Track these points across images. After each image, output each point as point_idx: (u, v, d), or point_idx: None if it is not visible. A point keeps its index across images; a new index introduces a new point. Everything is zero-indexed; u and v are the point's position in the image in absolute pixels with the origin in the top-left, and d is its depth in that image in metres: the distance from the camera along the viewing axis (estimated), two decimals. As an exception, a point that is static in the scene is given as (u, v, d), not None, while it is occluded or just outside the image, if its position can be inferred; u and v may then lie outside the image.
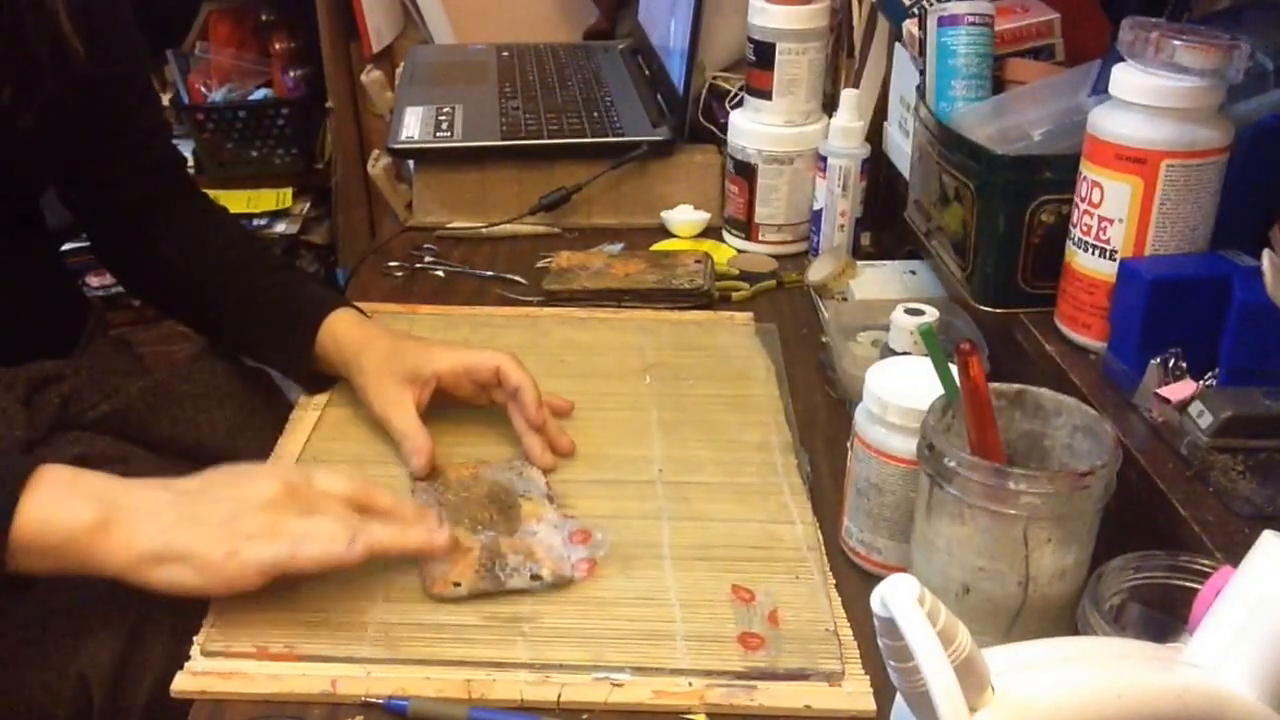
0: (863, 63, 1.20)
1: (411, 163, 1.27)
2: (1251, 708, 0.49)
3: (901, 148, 1.10)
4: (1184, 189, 0.75)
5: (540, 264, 1.17)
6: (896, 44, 1.09)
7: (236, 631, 0.69)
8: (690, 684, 0.67)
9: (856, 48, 1.22)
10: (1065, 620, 0.64)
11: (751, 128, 1.18)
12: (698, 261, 1.15)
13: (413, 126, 1.28)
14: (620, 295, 1.10)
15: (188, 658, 0.68)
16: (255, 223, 2.33)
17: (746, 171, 1.18)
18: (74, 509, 0.68)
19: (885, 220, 1.19)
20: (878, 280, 1.06)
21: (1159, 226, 0.77)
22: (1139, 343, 0.76)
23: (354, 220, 2.33)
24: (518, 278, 1.15)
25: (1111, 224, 0.78)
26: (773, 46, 1.14)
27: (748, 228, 1.21)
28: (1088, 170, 0.78)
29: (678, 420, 0.92)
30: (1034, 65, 0.94)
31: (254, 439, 0.92)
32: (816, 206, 1.15)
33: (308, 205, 2.42)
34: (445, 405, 0.89)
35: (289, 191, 2.38)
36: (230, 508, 0.69)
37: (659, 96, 1.36)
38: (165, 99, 2.25)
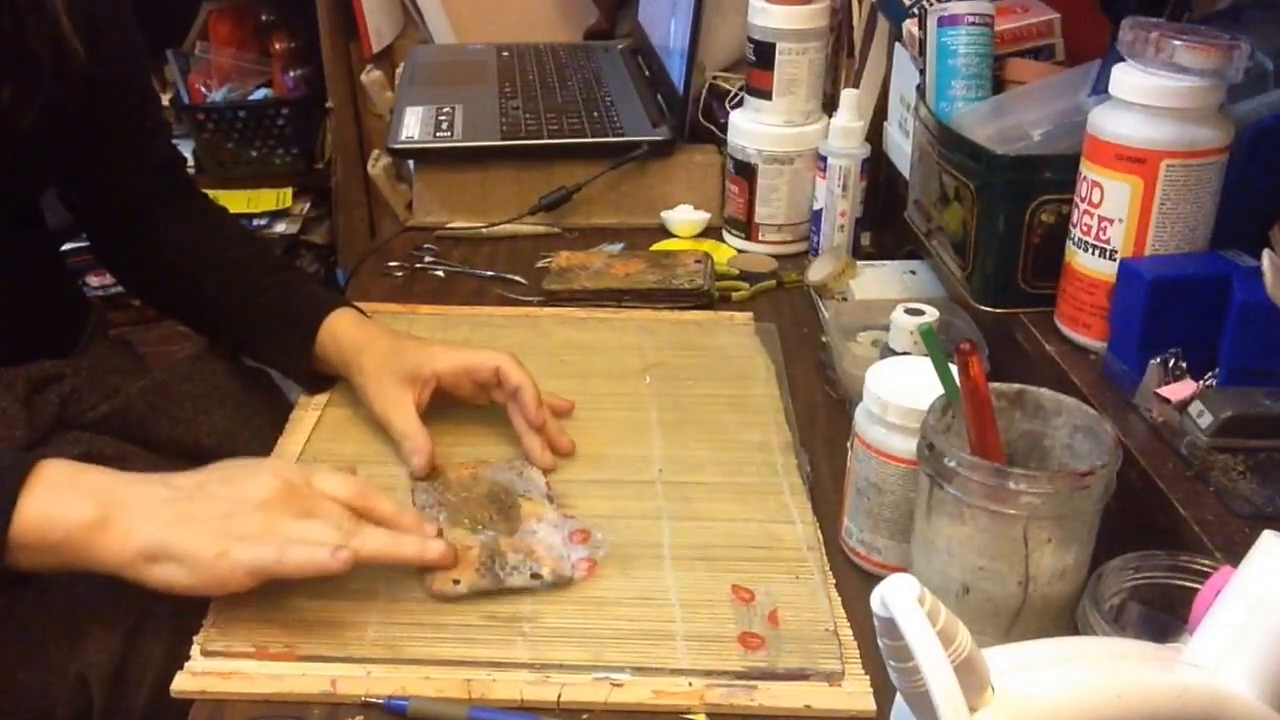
0: (863, 63, 1.20)
1: (411, 163, 1.27)
2: (1251, 708, 0.49)
3: (901, 148, 1.10)
4: (1184, 189, 0.75)
5: (540, 264, 1.17)
6: (896, 44, 1.09)
7: (236, 631, 0.69)
8: (690, 684, 0.67)
9: (856, 48, 1.22)
10: (1065, 620, 0.64)
11: (751, 128, 1.18)
12: (698, 261, 1.15)
13: (413, 126, 1.28)
14: (620, 295, 1.10)
15: (188, 658, 0.68)
16: (255, 223, 2.33)
17: (746, 171, 1.18)
18: (73, 506, 0.68)
19: (885, 220, 1.19)
20: (878, 280, 1.06)
21: (1159, 226, 0.77)
22: (1139, 343, 0.76)
23: (354, 220, 2.33)
24: (518, 278, 1.15)
25: (1111, 224, 0.78)
26: (773, 46, 1.14)
27: (748, 228, 1.21)
28: (1088, 170, 0.78)
29: (678, 420, 0.92)
30: (1034, 65, 0.94)
31: (254, 439, 0.92)
32: (816, 206, 1.15)
33: (308, 205, 2.42)
34: (445, 405, 0.89)
35: (289, 191, 2.38)
36: (225, 507, 0.69)
37: (659, 96, 1.36)
38: (165, 99, 2.25)
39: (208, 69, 2.34)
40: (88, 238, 1.06)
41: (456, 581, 0.72)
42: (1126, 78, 0.75)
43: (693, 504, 0.82)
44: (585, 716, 0.66)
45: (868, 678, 0.67)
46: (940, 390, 0.67)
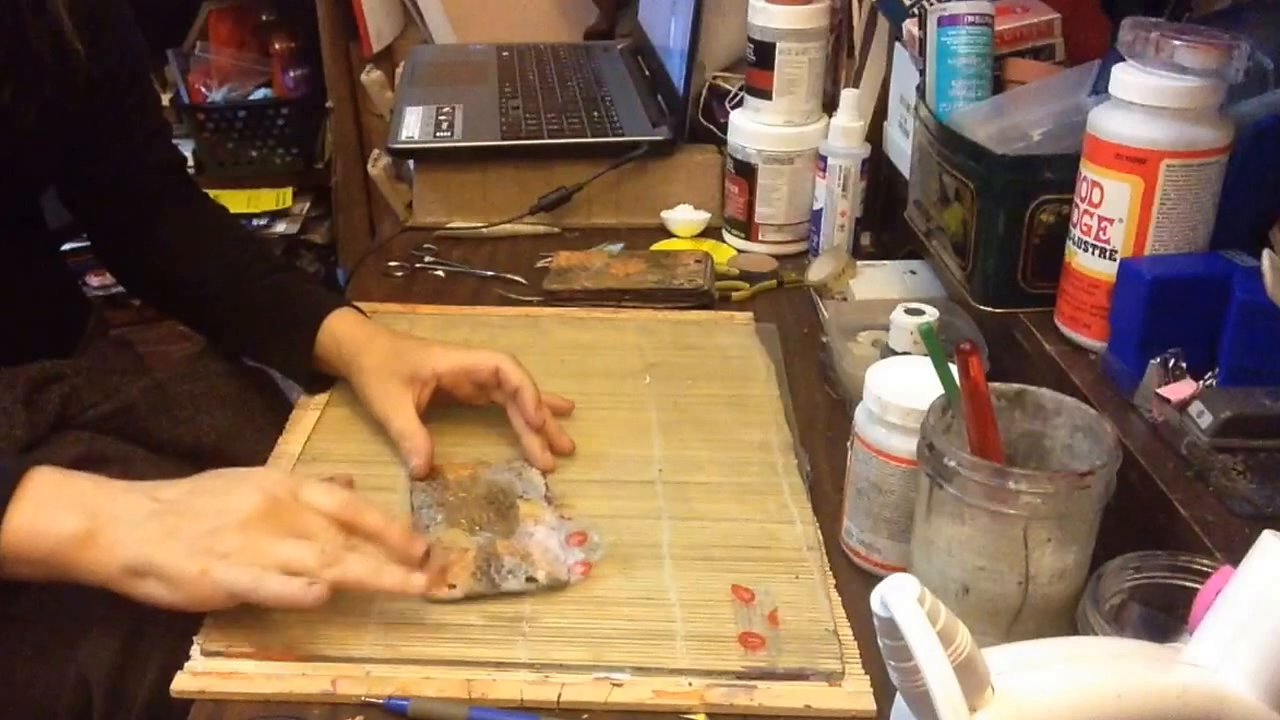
0: (863, 63, 1.20)
1: (411, 163, 1.27)
2: (1251, 708, 0.49)
3: (901, 148, 1.10)
4: (1184, 189, 0.75)
5: (540, 264, 1.17)
6: (896, 44, 1.09)
7: (236, 631, 0.69)
8: (690, 684, 0.67)
9: (856, 48, 1.22)
10: (1065, 620, 0.64)
11: (751, 128, 1.18)
12: (698, 261, 1.15)
13: (413, 126, 1.28)
14: (620, 295, 1.10)
15: (188, 658, 0.68)
16: (255, 223, 2.33)
17: (746, 171, 1.18)
18: (59, 519, 0.68)
19: (885, 220, 1.19)
20: (878, 280, 1.06)
21: (1159, 226, 0.77)
22: (1139, 343, 0.76)
23: (354, 220, 2.33)
24: (518, 278, 1.15)
25: (1111, 224, 0.78)
26: (773, 46, 1.14)
27: (748, 228, 1.21)
28: (1088, 170, 0.78)
29: (677, 420, 0.92)
30: (1034, 65, 0.94)
31: (254, 439, 0.92)
32: (816, 206, 1.15)
33: (308, 205, 2.42)
34: (445, 405, 0.89)
35: (289, 191, 2.39)
36: (208, 523, 0.68)
37: (659, 96, 1.36)
38: (165, 99, 2.25)
39: (208, 69, 2.34)
40: (88, 238, 1.06)
41: (452, 586, 0.72)
42: (1126, 77, 0.75)
43: (693, 504, 0.82)
44: (585, 716, 0.66)
45: (868, 678, 0.67)
46: (940, 390, 0.67)
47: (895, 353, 0.82)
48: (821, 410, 0.95)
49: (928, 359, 0.68)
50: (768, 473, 0.85)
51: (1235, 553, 0.54)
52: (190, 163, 2.25)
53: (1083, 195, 0.79)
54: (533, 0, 1.95)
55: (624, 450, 0.88)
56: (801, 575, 0.75)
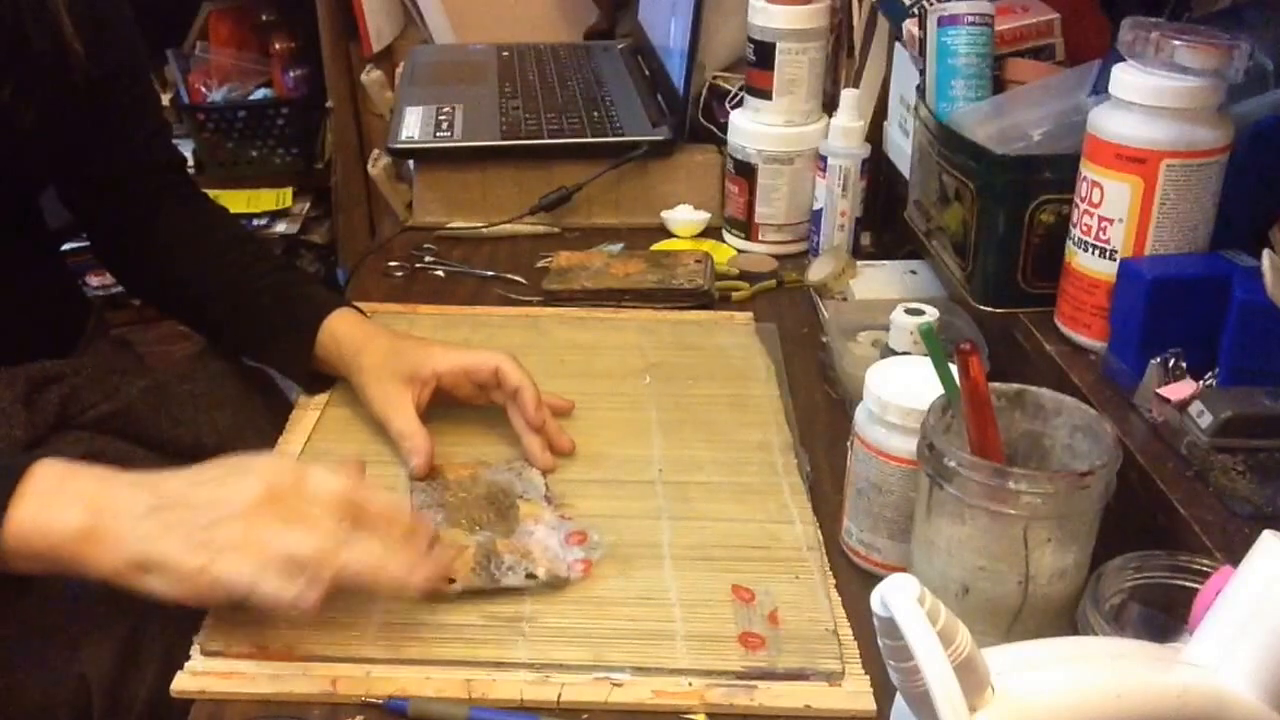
0: (863, 63, 1.20)
1: (411, 163, 1.27)
2: (1251, 708, 0.49)
3: (901, 148, 1.10)
4: (1184, 189, 0.75)
5: (540, 264, 1.17)
6: (896, 44, 1.09)
7: (236, 631, 0.69)
8: (690, 684, 0.67)
9: (856, 48, 1.22)
10: (1065, 620, 0.64)
11: (751, 128, 1.18)
12: (698, 261, 1.15)
13: (413, 126, 1.28)
14: (620, 295, 1.10)
15: (188, 658, 0.68)
16: (255, 223, 2.33)
17: (746, 171, 1.18)
18: (62, 514, 0.67)
19: (885, 220, 1.19)
20: (878, 280, 1.06)
21: (1159, 226, 0.77)
22: (1139, 343, 0.76)
23: (354, 220, 2.33)
24: (518, 278, 1.15)
25: (1111, 224, 0.78)
26: (773, 46, 1.14)
27: (748, 227, 1.21)
28: (1088, 170, 0.78)
29: (677, 420, 0.92)
30: (1034, 65, 0.94)
31: (254, 439, 0.92)
32: (816, 206, 1.15)
33: (308, 205, 2.42)
34: (445, 405, 0.89)
35: (289, 191, 2.39)
36: (208, 514, 0.67)
37: (659, 96, 1.36)
38: (165, 99, 2.25)
39: (208, 69, 2.34)
40: (88, 238, 1.06)
41: (451, 581, 0.72)
42: (1126, 77, 0.75)
43: (693, 504, 0.82)
44: (585, 716, 0.66)
45: (868, 678, 0.67)
46: (940, 390, 0.67)
47: (895, 353, 0.82)
48: (821, 410, 0.95)
49: (928, 359, 0.68)
50: (768, 473, 0.85)
51: (1235, 553, 0.54)
52: (190, 163, 2.25)
53: (1083, 195, 0.79)
54: (533, 0, 1.95)
55: (624, 450, 0.88)
56: (801, 575, 0.75)
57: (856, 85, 1.19)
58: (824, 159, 1.12)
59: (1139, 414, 0.75)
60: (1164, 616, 0.61)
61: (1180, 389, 0.73)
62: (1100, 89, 0.81)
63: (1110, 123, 0.76)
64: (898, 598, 0.47)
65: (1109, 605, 0.61)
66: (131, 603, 0.74)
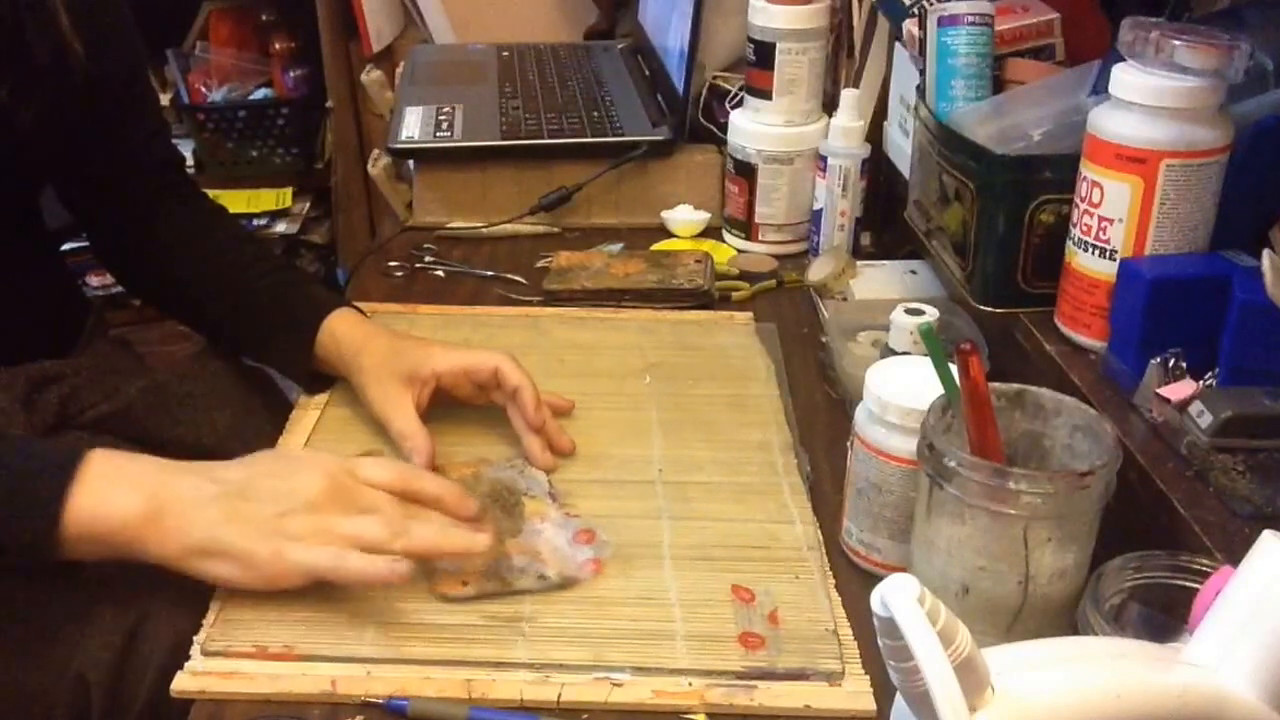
0: (863, 63, 1.20)
1: (411, 163, 1.27)
2: (1251, 708, 0.49)
3: (901, 148, 1.10)
4: (1184, 189, 0.75)
5: (540, 264, 1.17)
6: (896, 44, 1.09)
7: (236, 631, 0.69)
8: (690, 684, 0.67)
9: (856, 48, 1.22)
10: (1065, 620, 0.64)
11: (751, 128, 1.18)
12: (698, 261, 1.15)
13: (413, 126, 1.28)
14: (620, 295, 1.10)
15: (188, 658, 0.68)
16: (255, 223, 2.33)
17: (746, 171, 1.18)
18: (123, 498, 0.69)
19: (885, 220, 1.19)
20: (878, 280, 1.06)
21: (1159, 226, 0.77)
22: (1139, 343, 0.76)
23: (354, 220, 2.33)
24: (518, 278, 1.15)
25: (1111, 224, 0.78)
26: (773, 46, 1.14)
27: (748, 227, 1.21)
28: (1088, 170, 0.78)
29: (677, 420, 0.92)
30: (1034, 65, 0.94)
31: (254, 439, 0.92)
32: (816, 206, 1.15)
33: (308, 205, 2.42)
34: (445, 405, 0.89)
35: (289, 191, 2.39)
36: (276, 505, 0.70)
37: (659, 96, 1.36)
38: (165, 99, 2.25)
39: (208, 69, 2.34)
40: (88, 238, 1.06)
41: (464, 583, 0.72)
42: (1126, 77, 0.75)
43: (693, 504, 0.82)
44: (585, 716, 0.66)
45: (868, 678, 0.67)
46: (940, 390, 0.67)
47: (895, 353, 0.82)
48: (821, 410, 0.95)
49: (928, 359, 0.68)
50: (768, 473, 0.85)
51: (1235, 553, 0.54)
52: (190, 163, 2.25)
53: (1083, 195, 0.79)
54: (533, 0, 1.95)
55: (624, 450, 0.88)
56: (801, 575, 0.75)
57: (856, 85, 1.19)
58: (824, 159, 1.12)
59: (1139, 414, 0.75)
60: (1164, 616, 0.61)
61: (1180, 389, 0.73)
62: (1100, 89, 0.81)
63: (1110, 123, 0.76)
64: (898, 598, 0.47)
65: (1109, 605, 0.61)
66: (132, 602, 0.74)
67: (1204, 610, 0.52)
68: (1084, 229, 0.80)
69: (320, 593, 0.71)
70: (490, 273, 1.16)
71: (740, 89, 1.24)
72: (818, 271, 1.07)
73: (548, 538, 0.76)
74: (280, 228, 2.37)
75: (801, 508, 0.81)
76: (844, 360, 0.92)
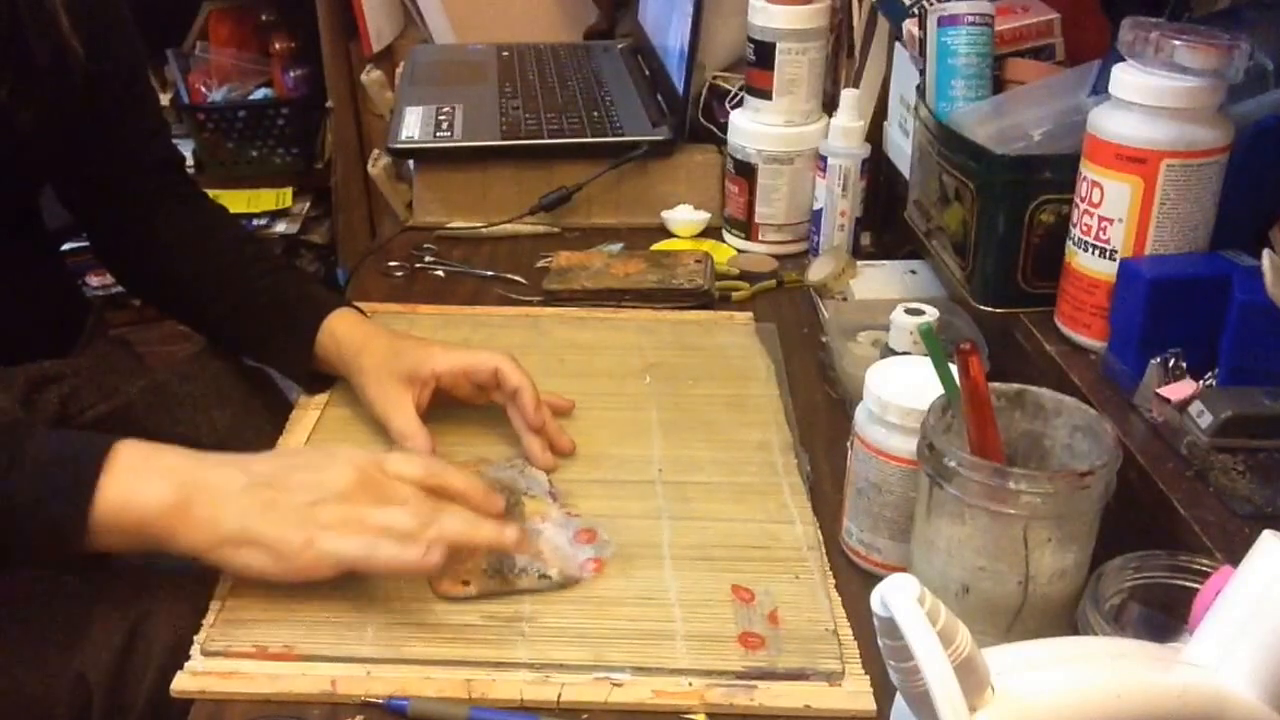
0: (863, 63, 1.20)
1: (411, 163, 1.27)
2: (1251, 708, 0.49)
3: (901, 148, 1.10)
4: (1184, 189, 0.75)
5: (540, 264, 1.17)
6: (896, 44, 1.09)
7: (236, 631, 0.69)
8: (690, 684, 0.67)
9: (856, 48, 1.22)
10: (1065, 620, 0.64)
11: (751, 128, 1.18)
12: (698, 261, 1.15)
13: (413, 126, 1.28)
14: (620, 295, 1.10)
15: (188, 657, 0.68)
16: (255, 223, 2.33)
17: (746, 171, 1.18)
18: (153, 489, 0.69)
19: (885, 220, 1.19)
20: (878, 280, 1.06)
21: (1159, 226, 0.77)
22: (1139, 343, 0.76)
23: (354, 220, 2.33)
24: (518, 278, 1.15)
25: (1111, 224, 0.78)
26: (773, 46, 1.14)
27: (748, 227, 1.21)
28: (1088, 170, 0.78)
29: (677, 420, 0.92)
30: (1034, 65, 0.94)
31: (254, 439, 0.92)
32: (816, 206, 1.15)
33: (308, 205, 2.42)
34: (445, 405, 0.89)
35: (289, 191, 2.39)
36: (307, 495, 0.70)
37: (659, 96, 1.36)
38: (165, 99, 2.25)
39: (208, 69, 2.34)
40: (88, 238, 1.06)
41: (466, 583, 0.72)
42: (1126, 77, 0.75)
43: (693, 504, 0.82)
44: (585, 716, 0.66)
45: (868, 678, 0.67)
46: (940, 390, 0.67)
47: (895, 353, 0.82)
48: (821, 410, 0.95)
49: (928, 359, 0.68)
50: (768, 473, 0.85)
51: (1235, 553, 0.54)
52: (190, 163, 2.25)
53: (1083, 195, 0.79)
54: (533, 0, 1.95)
55: (624, 450, 0.88)
56: (801, 575, 0.75)
57: (856, 85, 1.19)
58: (824, 159, 1.12)
59: (1139, 414, 0.75)
60: (1164, 616, 0.61)
61: (1180, 389, 0.73)
62: (1100, 89, 0.81)
63: (1110, 123, 0.76)
64: (898, 598, 0.47)
65: (1109, 605, 0.61)
66: (132, 602, 0.74)
67: (1204, 610, 0.52)
68: (1084, 229, 0.80)
69: (320, 592, 0.71)
70: (490, 273, 1.16)
71: (740, 89, 1.24)
72: (818, 271, 1.07)
73: (549, 537, 0.76)
74: (280, 228, 2.37)
75: (801, 508, 0.81)
76: (844, 360, 0.92)
